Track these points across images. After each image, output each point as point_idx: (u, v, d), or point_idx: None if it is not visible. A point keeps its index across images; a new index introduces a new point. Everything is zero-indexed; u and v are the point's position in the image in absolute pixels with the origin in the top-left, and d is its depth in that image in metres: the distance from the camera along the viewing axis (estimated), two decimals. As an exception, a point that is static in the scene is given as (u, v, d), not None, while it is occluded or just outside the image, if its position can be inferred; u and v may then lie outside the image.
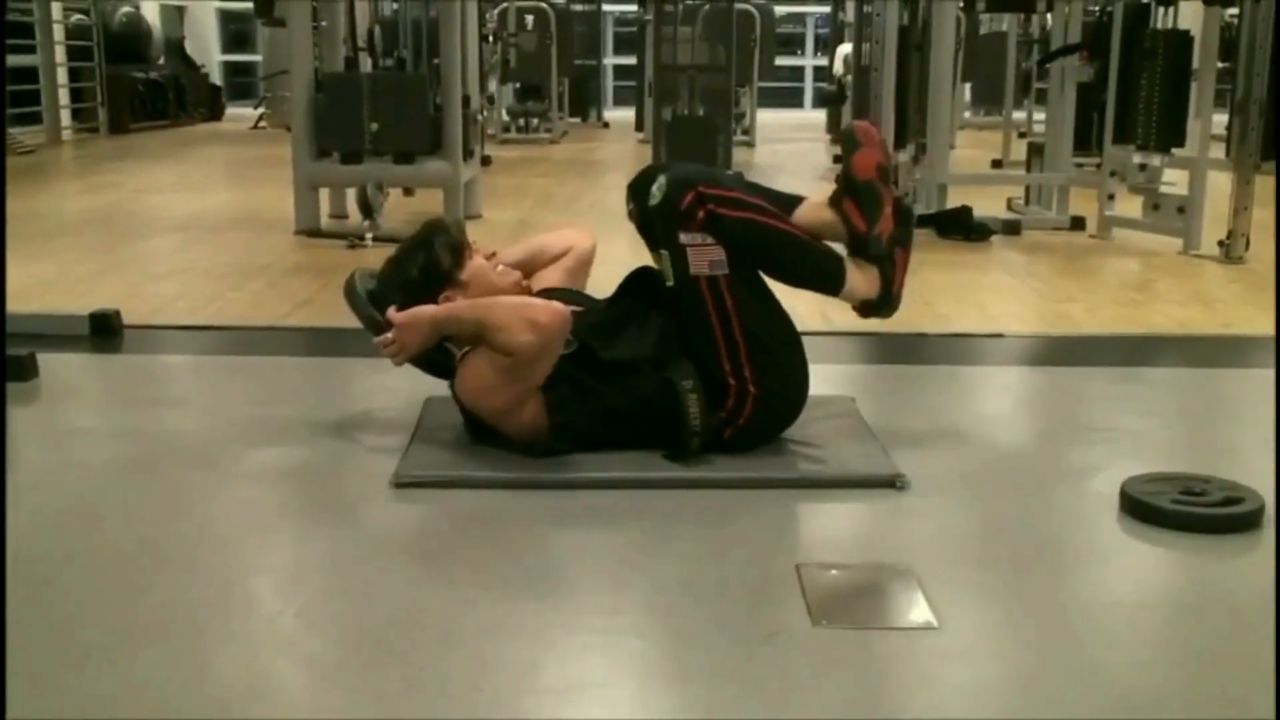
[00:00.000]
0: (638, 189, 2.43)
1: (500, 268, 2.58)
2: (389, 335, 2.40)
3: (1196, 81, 5.28)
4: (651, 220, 2.39)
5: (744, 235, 2.35)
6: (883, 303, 2.50)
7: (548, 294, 2.66)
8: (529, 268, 2.71)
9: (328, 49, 5.71)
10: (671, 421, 2.34)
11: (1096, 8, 6.47)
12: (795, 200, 2.53)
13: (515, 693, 1.56)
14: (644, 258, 2.49)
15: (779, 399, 2.43)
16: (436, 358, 2.47)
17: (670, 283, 2.38)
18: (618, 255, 2.85)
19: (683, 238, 2.34)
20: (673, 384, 2.33)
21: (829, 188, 2.55)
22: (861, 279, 2.47)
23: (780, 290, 2.45)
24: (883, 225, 2.46)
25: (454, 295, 2.47)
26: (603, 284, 2.68)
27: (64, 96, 10.94)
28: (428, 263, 2.50)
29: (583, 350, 2.37)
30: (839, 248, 2.50)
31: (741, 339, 2.36)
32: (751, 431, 2.40)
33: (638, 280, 2.54)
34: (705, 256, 2.34)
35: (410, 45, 5.79)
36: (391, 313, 2.40)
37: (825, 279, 2.46)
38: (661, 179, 2.37)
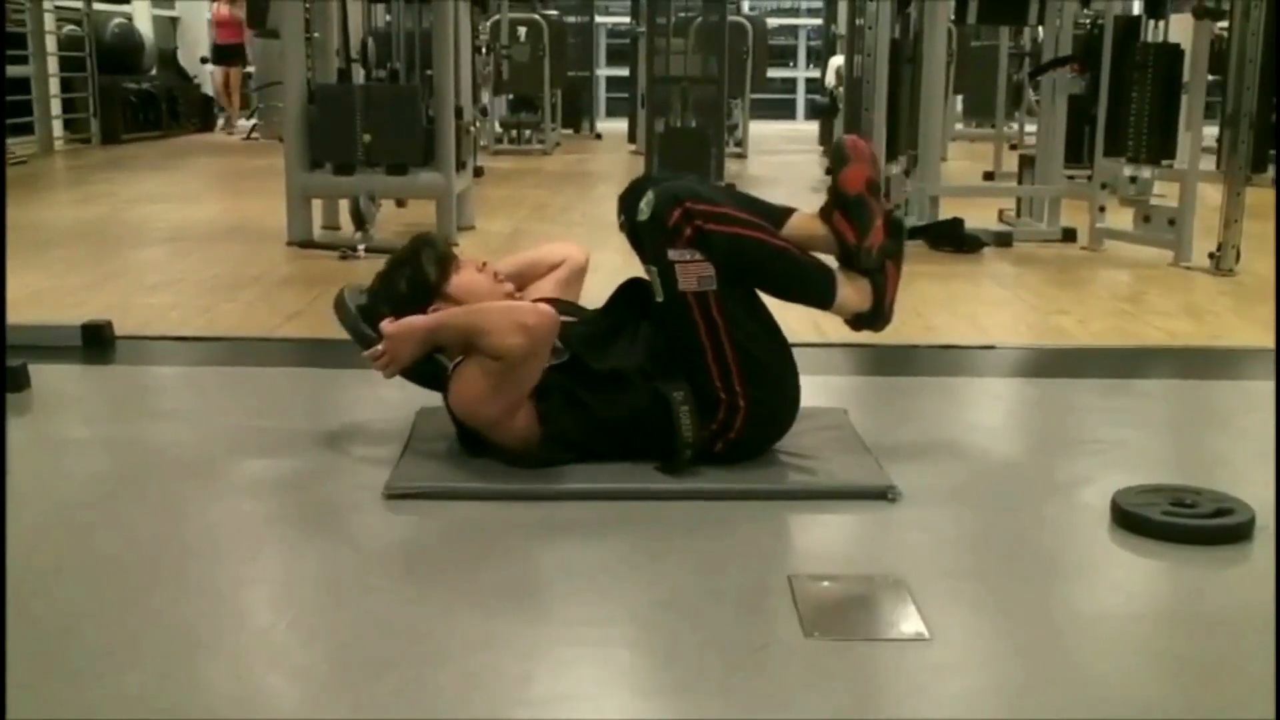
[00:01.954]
0: (627, 201, 2.44)
1: (493, 278, 2.58)
2: (379, 348, 2.40)
3: (1187, 94, 5.30)
4: (640, 235, 2.40)
5: (733, 250, 2.35)
6: (874, 315, 2.50)
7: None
8: (522, 281, 2.71)
9: (321, 60, 5.71)
10: (663, 433, 2.34)
11: (1088, 20, 6.50)
12: (786, 213, 2.54)
13: (506, 705, 1.56)
14: (636, 268, 2.49)
15: (769, 412, 2.43)
16: (427, 369, 2.47)
17: (660, 298, 2.38)
18: (610, 266, 2.85)
19: (671, 254, 2.34)
20: (664, 396, 2.33)
21: (821, 199, 2.56)
22: (853, 292, 2.47)
23: (771, 302, 2.46)
24: (874, 238, 2.47)
25: (443, 308, 2.47)
26: (595, 294, 2.69)
27: (56, 107, 10.95)
28: (415, 276, 2.51)
29: (574, 361, 2.37)
30: (829, 260, 2.51)
31: (732, 353, 2.36)
32: (742, 444, 2.40)
33: (630, 290, 2.54)
34: (694, 273, 2.34)
35: (403, 57, 5.80)
36: (383, 325, 2.40)
37: (817, 292, 2.47)
38: (650, 194, 2.37)
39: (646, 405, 2.35)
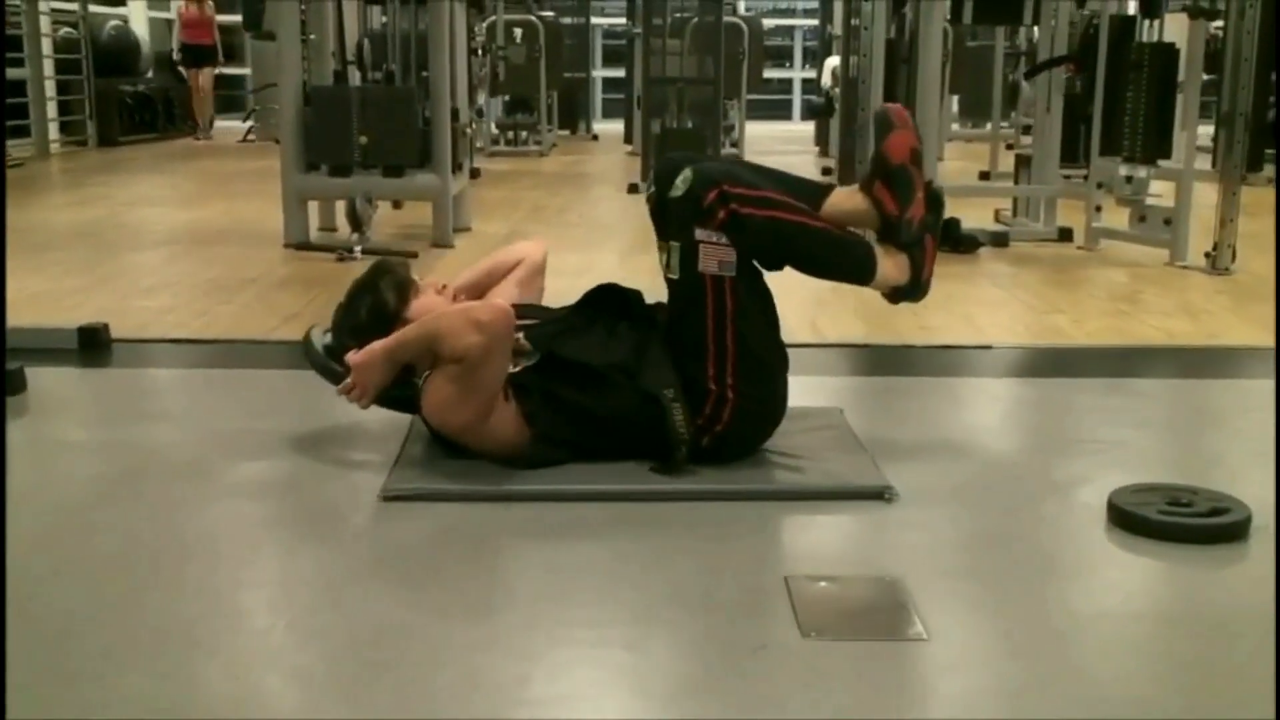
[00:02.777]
0: (661, 177, 2.43)
1: (452, 299, 2.56)
2: (348, 381, 2.40)
3: (1182, 94, 5.31)
4: (669, 211, 2.38)
5: (772, 234, 2.35)
6: (913, 288, 2.50)
7: None
8: (482, 289, 2.71)
9: (316, 62, 5.71)
10: (655, 431, 2.34)
11: (1084, 17, 6.50)
12: (825, 189, 2.53)
13: (503, 707, 1.56)
14: (631, 271, 2.49)
15: (756, 409, 2.42)
16: (402, 394, 2.45)
17: (674, 275, 2.37)
18: (606, 267, 2.86)
19: (698, 233, 2.33)
20: (654, 394, 2.33)
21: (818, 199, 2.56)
22: (892, 266, 2.47)
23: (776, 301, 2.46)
24: (914, 210, 2.46)
25: None
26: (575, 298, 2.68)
27: (52, 109, 10.94)
28: (375, 304, 2.50)
29: (548, 359, 2.37)
30: (868, 236, 2.50)
31: (732, 343, 2.36)
32: (729, 438, 2.40)
33: (602, 294, 2.54)
34: (716, 256, 2.33)
35: (399, 58, 5.79)
36: (349, 357, 2.40)
37: (858, 269, 2.47)
38: (687, 171, 2.36)
39: (636, 404, 2.35)
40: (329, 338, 2.58)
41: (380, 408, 2.49)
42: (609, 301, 2.55)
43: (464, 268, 2.84)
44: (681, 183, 2.35)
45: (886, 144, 2.46)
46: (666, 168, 2.43)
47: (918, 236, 2.47)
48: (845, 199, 2.51)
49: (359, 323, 2.50)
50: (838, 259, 2.47)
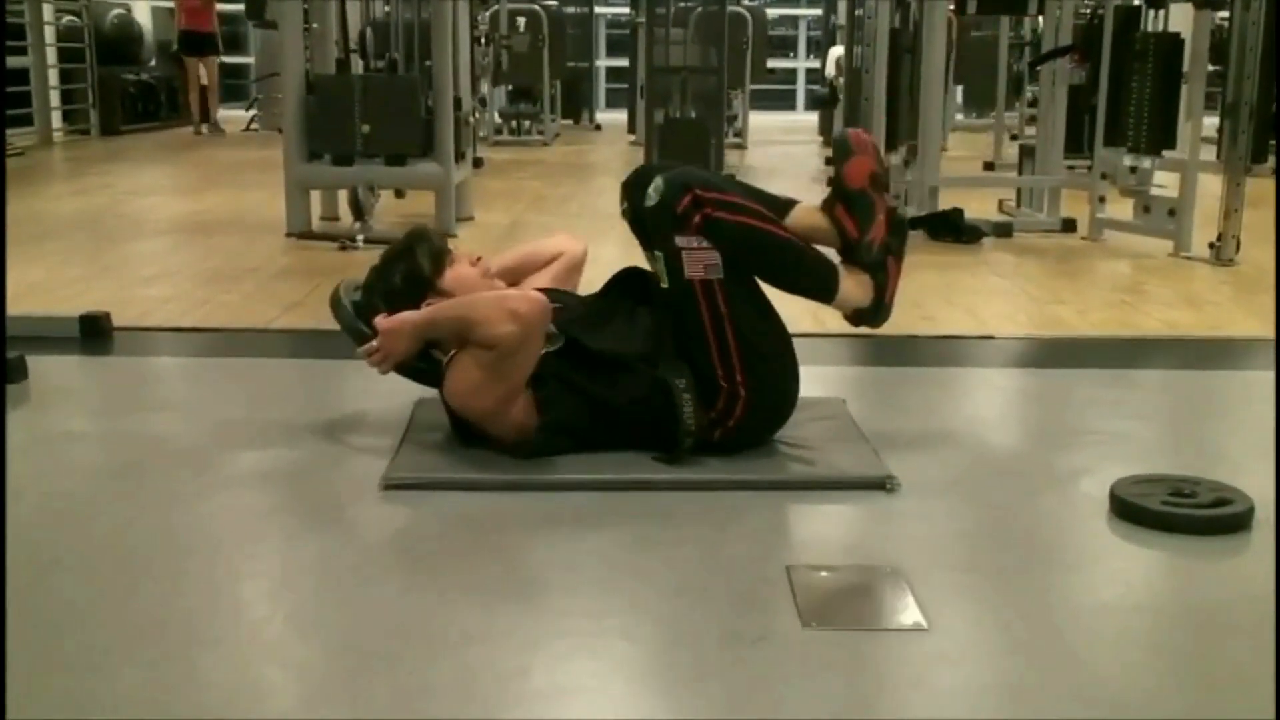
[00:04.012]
0: (633, 188, 2.43)
1: (485, 273, 2.57)
2: (374, 344, 2.40)
3: (1187, 84, 5.29)
4: (646, 221, 2.39)
5: (741, 240, 2.35)
6: (875, 311, 2.50)
7: None
8: (519, 274, 2.71)
9: (319, 51, 5.70)
10: (664, 420, 2.34)
11: (1087, 10, 6.48)
12: (788, 204, 2.53)
13: (503, 698, 1.56)
14: (635, 260, 2.48)
15: (769, 403, 2.43)
16: (422, 365, 2.47)
17: (665, 284, 2.38)
18: (609, 258, 2.85)
19: (678, 240, 2.33)
20: (666, 383, 2.33)
21: (822, 190, 2.55)
22: (855, 286, 2.47)
23: (771, 291, 2.45)
24: (875, 232, 2.46)
25: (436, 302, 2.47)
26: (593, 287, 2.68)
27: (55, 98, 10.93)
28: (410, 270, 2.50)
29: (570, 346, 2.37)
30: (831, 254, 2.50)
31: (734, 343, 2.36)
32: (740, 434, 2.40)
33: (627, 277, 2.54)
34: (700, 260, 2.33)
35: (402, 47, 5.78)
36: (377, 321, 2.40)
37: (820, 286, 2.46)
38: (659, 180, 2.36)
39: (647, 392, 2.35)
40: (358, 295, 2.57)
41: (395, 374, 2.49)
42: (632, 285, 2.54)
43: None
44: (654, 192, 2.35)
45: (845, 169, 2.47)
46: (637, 179, 2.44)
47: (879, 258, 2.48)
48: (808, 215, 2.51)
49: (392, 287, 2.50)
50: (802, 273, 2.45)
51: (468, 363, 2.31)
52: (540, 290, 2.38)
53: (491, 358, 2.26)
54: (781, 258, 2.41)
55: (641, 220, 2.41)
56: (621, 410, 2.37)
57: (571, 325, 2.41)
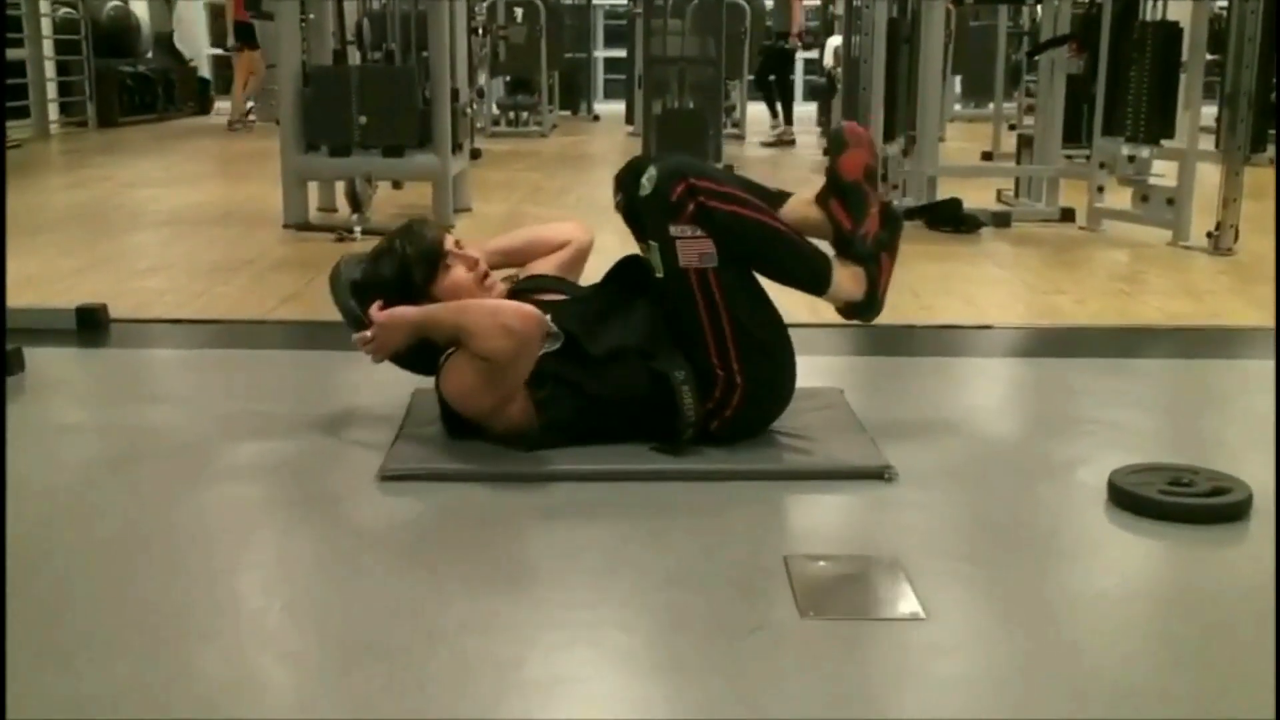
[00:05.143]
0: (626, 180, 2.43)
1: (482, 280, 2.54)
2: (368, 333, 2.40)
3: (1185, 73, 5.28)
4: (640, 211, 2.38)
5: (734, 229, 2.35)
6: (867, 304, 2.50)
7: (534, 280, 2.65)
8: (523, 258, 2.70)
9: (316, 42, 5.69)
10: (663, 412, 2.33)
11: (1085, -1, 6.47)
12: (782, 196, 2.53)
13: (499, 688, 1.56)
14: (631, 251, 2.48)
15: (766, 392, 2.42)
16: (414, 357, 2.46)
17: (659, 274, 2.37)
18: (606, 247, 2.84)
19: (672, 229, 2.33)
20: (665, 375, 2.33)
21: (819, 180, 2.55)
22: (848, 279, 2.47)
23: (768, 282, 2.45)
24: (868, 226, 2.46)
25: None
26: (592, 278, 2.68)
27: (52, 90, 10.90)
28: (400, 275, 2.48)
29: (570, 345, 2.36)
30: (824, 246, 2.50)
31: (730, 332, 2.35)
32: (737, 423, 2.40)
33: (625, 268, 2.53)
34: (695, 249, 2.33)
35: (399, 38, 5.76)
36: (373, 311, 2.39)
37: (813, 277, 2.46)
38: (652, 170, 2.36)
39: (646, 385, 2.34)
40: (358, 272, 2.56)
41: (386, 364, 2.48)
42: (631, 275, 2.53)
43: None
44: (647, 181, 2.35)
45: (840, 162, 2.47)
46: (630, 170, 2.43)
47: (873, 251, 2.47)
48: (802, 207, 2.50)
49: (386, 281, 2.48)
50: (795, 264, 2.44)
51: (465, 366, 2.30)
52: (543, 277, 2.37)
53: (485, 367, 2.25)
54: (775, 248, 2.41)
55: (635, 211, 2.40)
56: (621, 406, 2.37)
57: (573, 321, 2.40)
